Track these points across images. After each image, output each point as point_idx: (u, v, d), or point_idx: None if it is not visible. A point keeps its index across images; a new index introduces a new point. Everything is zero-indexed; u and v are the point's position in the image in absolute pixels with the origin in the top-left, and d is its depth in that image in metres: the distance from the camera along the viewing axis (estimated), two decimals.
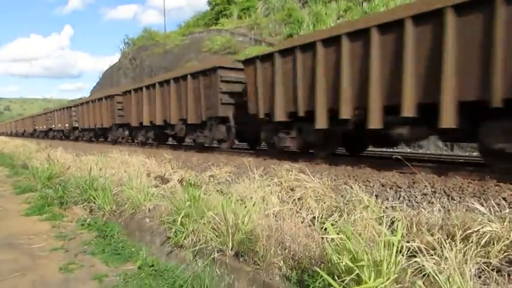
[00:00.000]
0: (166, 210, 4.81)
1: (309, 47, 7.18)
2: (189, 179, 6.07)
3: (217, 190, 5.14)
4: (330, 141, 7.78)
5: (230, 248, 3.57)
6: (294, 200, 4.49)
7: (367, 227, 3.35)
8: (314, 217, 3.95)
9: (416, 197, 4.26)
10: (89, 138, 24.08)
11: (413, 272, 2.43)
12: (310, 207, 4.19)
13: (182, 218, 4.17)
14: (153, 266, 3.79)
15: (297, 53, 7.44)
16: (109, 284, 3.59)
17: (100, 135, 22.47)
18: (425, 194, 4.29)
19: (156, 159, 8.27)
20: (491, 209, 3.12)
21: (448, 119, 5.06)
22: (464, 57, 4.95)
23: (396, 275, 2.35)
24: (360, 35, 6.18)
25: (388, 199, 4.21)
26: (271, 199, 4.52)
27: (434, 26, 5.18)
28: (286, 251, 3.16)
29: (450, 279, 2.24)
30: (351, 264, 2.37)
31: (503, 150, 4.87)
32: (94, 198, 6.07)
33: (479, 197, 3.92)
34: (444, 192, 4.32)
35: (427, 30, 5.31)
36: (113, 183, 6.47)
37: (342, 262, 2.43)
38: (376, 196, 4.34)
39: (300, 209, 4.18)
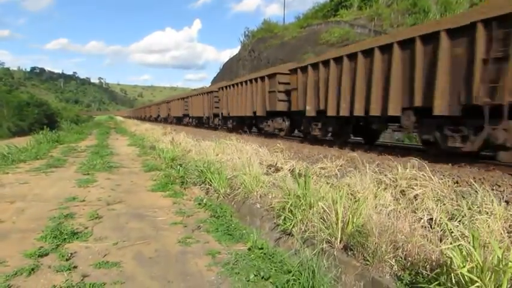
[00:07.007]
0: (277, 198, 4.94)
1: None
2: (299, 170, 6.12)
3: (328, 183, 5.10)
4: None
5: (339, 240, 3.53)
6: (409, 199, 4.25)
7: (493, 235, 3.04)
8: (431, 218, 3.71)
9: None
10: (232, 127, 20.12)
11: None
12: (427, 208, 3.93)
13: (291, 206, 4.24)
14: (262, 249, 3.92)
15: None
16: (221, 261, 3.81)
17: (248, 125, 18.62)
18: None
19: (268, 148, 8.50)
20: None
21: None
22: None
23: None
24: None
25: None
26: (383, 195, 4.36)
27: None
28: (399, 250, 3.01)
29: None
30: (475, 278, 2.17)
31: None
32: (210, 180, 6.52)
33: None
34: None
35: None
36: (227, 168, 6.85)
37: (464, 270, 2.23)
38: (507, 202, 3.88)
39: (416, 209, 3.94)
